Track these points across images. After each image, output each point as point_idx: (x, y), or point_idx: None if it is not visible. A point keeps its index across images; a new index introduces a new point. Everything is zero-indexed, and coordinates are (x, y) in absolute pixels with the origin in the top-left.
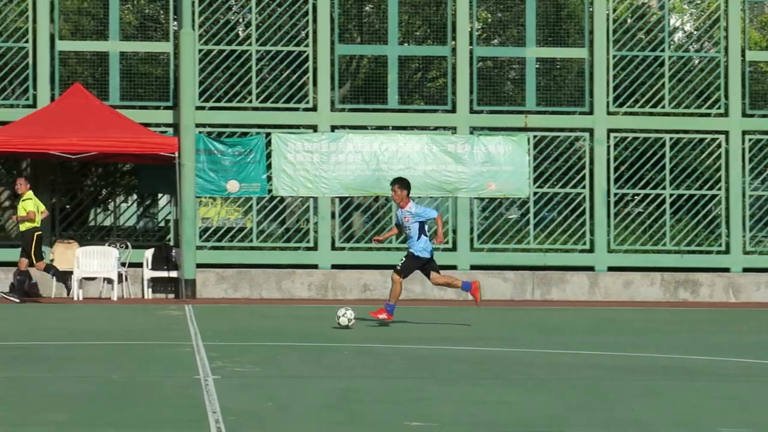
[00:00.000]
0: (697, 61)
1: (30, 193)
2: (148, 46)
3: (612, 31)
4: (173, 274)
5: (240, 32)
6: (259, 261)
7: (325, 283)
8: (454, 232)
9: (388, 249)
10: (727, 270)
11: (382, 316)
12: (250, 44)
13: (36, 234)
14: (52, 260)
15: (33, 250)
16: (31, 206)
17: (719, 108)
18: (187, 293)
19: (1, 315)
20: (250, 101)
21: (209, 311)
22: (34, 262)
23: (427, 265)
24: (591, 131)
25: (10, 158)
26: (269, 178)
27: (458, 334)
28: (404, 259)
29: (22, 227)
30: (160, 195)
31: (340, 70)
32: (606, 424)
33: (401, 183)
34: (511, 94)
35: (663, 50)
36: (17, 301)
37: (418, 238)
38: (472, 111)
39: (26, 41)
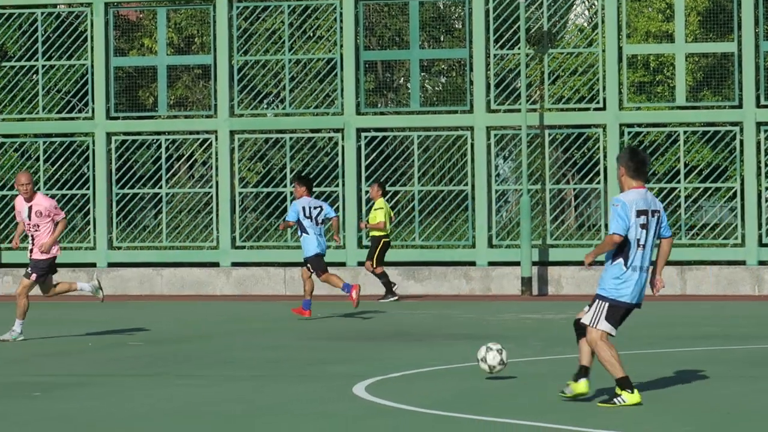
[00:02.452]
0: None
1: (382, 201)
2: None
3: None
4: None
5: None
6: None
7: None
8: None
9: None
10: None
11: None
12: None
13: (383, 240)
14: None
15: (377, 254)
16: (381, 216)
17: None
18: None
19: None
20: None
21: None
22: (374, 265)
23: None
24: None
25: None
26: None
27: None
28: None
29: (372, 233)
30: None
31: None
32: None
33: None
34: None
35: None
36: (395, 298)
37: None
38: None
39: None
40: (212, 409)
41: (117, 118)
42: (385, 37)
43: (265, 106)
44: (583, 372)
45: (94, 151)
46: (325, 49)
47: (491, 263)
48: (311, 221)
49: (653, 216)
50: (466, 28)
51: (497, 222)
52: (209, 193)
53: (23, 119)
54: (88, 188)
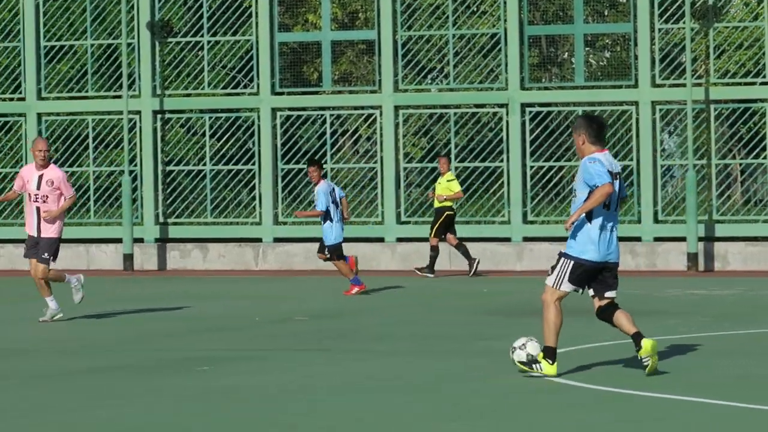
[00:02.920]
0: None
1: (452, 174)
2: None
3: None
4: None
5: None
6: None
7: None
8: None
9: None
10: None
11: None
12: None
13: (447, 213)
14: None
15: (437, 225)
16: (456, 187)
17: None
18: None
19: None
20: None
21: None
22: (431, 236)
23: None
24: None
25: None
26: None
27: None
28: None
29: (437, 204)
30: None
31: None
32: None
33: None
34: None
35: None
36: (431, 276)
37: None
38: None
39: None
40: (375, 384)
41: (282, 94)
42: (549, 12)
43: (429, 81)
44: (637, 338)
45: (259, 126)
46: (489, 24)
47: (657, 239)
48: (335, 206)
49: (617, 178)
50: (630, 3)
51: (662, 197)
52: (374, 168)
53: (189, 95)
54: (253, 164)
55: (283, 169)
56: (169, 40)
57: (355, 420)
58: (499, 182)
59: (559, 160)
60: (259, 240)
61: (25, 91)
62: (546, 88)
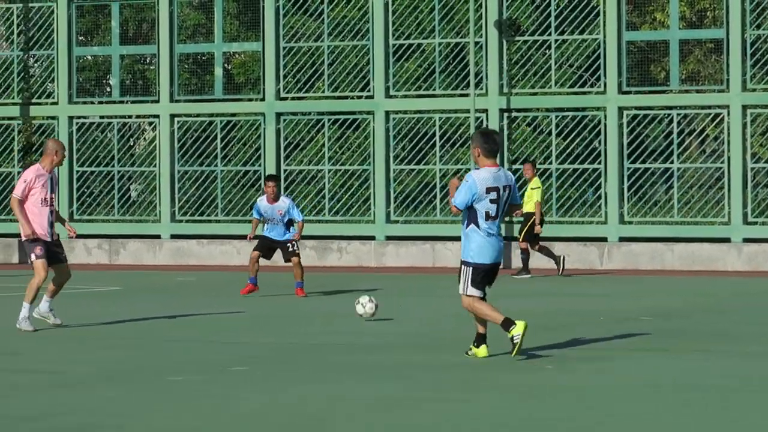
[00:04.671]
0: None
1: (537, 180)
2: None
3: None
4: None
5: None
6: None
7: None
8: None
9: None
10: None
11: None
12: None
13: (534, 218)
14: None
15: (526, 229)
16: (537, 196)
17: None
18: None
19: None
20: None
21: None
22: (520, 240)
23: None
24: None
25: None
26: None
27: None
28: None
29: (526, 208)
30: None
31: None
32: None
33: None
34: None
35: None
36: (527, 276)
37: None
38: None
39: None
40: (707, 383)
41: (629, 93)
42: None
43: None
44: (506, 324)
45: (605, 125)
46: None
47: (746, 240)
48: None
49: (504, 191)
50: (723, 8)
51: (752, 199)
52: (720, 168)
53: (535, 94)
54: (599, 162)
55: (629, 168)
56: (517, 38)
57: (714, 419)
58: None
59: None
60: (602, 239)
61: (373, 90)
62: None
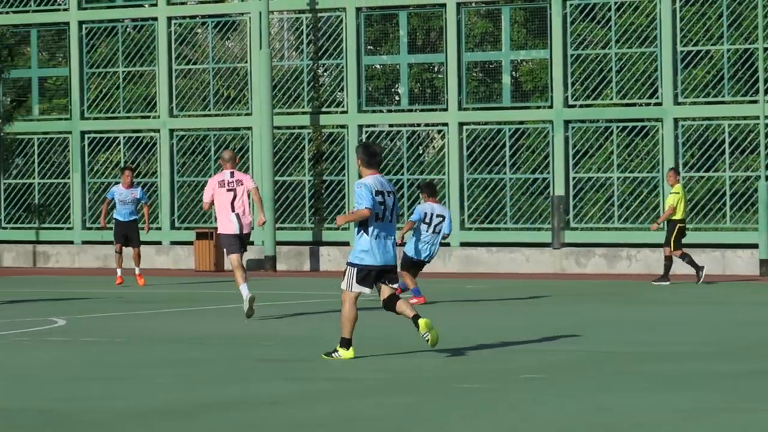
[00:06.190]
0: None
1: (679, 186)
2: None
3: None
4: None
5: None
6: None
7: None
8: None
9: None
10: None
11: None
12: None
13: (679, 225)
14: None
15: (673, 237)
16: (672, 201)
17: None
18: None
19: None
20: None
21: None
22: (672, 249)
23: None
24: None
25: None
26: None
27: None
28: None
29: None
30: None
31: None
32: None
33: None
34: None
35: None
36: (666, 283)
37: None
38: None
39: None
40: None
41: None
42: None
43: None
44: (416, 320)
45: None
46: None
47: None
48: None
49: (389, 195)
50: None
51: None
52: None
53: None
54: None
55: None
56: None
57: None
58: None
59: None
60: None
61: (661, 96)
62: None
